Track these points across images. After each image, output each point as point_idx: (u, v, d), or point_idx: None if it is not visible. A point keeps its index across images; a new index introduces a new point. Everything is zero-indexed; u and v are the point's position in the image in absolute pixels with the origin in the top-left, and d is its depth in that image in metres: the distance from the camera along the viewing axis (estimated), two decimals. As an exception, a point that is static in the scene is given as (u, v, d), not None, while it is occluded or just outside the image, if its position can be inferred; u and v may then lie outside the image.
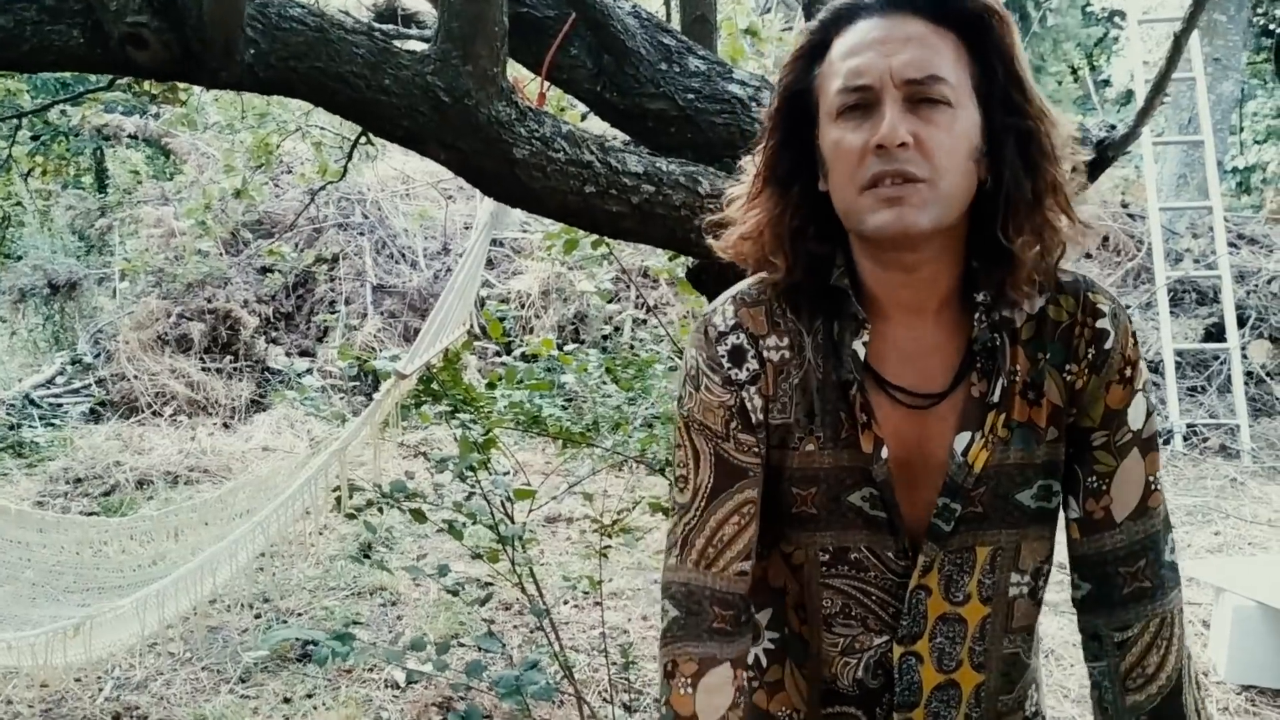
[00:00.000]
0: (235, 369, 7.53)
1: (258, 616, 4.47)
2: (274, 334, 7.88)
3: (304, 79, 1.61)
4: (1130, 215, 8.03)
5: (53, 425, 6.80)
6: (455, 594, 2.65)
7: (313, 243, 8.20)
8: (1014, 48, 1.10)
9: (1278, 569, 4.03)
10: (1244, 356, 6.86)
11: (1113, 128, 2.94)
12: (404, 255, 8.13)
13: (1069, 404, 1.17)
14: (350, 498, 2.68)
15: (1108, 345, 1.16)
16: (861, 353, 1.15)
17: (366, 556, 5.02)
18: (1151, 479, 1.20)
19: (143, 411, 7.07)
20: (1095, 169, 2.72)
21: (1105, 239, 7.99)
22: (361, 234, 8.25)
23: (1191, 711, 1.25)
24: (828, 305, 1.18)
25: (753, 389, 1.19)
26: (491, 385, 3.20)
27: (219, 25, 1.42)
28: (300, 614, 4.49)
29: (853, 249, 1.17)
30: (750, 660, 1.30)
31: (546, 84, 2.65)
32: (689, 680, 1.18)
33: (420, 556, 4.53)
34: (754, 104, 2.55)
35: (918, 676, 1.22)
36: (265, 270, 8.07)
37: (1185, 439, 6.50)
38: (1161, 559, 1.21)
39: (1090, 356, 1.16)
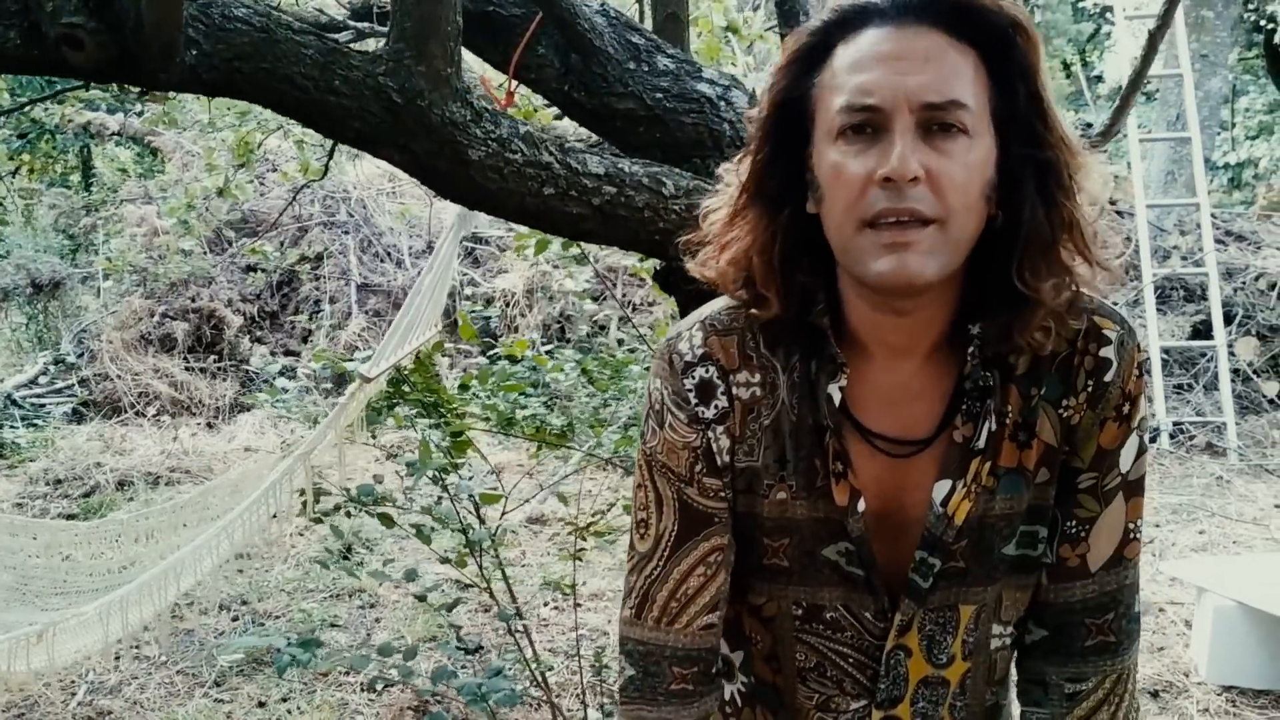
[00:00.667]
0: (219, 369, 7.49)
1: (235, 619, 4.44)
2: (259, 333, 7.84)
3: (249, 80, 1.58)
4: (1118, 213, 8.00)
5: (34, 425, 6.76)
6: (422, 599, 2.62)
7: (298, 241, 8.16)
8: (1039, 69, 0.97)
9: (1260, 569, 4.01)
10: (1231, 354, 6.85)
11: (1088, 125, 2.90)
12: (389, 254, 8.10)
13: (1063, 442, 1.07)
14: (317, 502, 2.65)
15: (1108, 377, 1.05)
16: (837, 398, 1.04)
17: (346, 558, 5.00)
18: (1132, 526, 1.10)
19: (126, 411, 7.03)
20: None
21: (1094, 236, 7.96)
22: (346, 232, 8.21)
23: None
24: (806, 341, 1.07)
25: (720, 429, 1.09)
26: (464, 386, 3.17)
27: (157, 26, 1.39)
28: (278, 617, 4.46)
29: (839, 279, 1.05)
30: (726, 697, 1.23)
31: (515, 83, 2.62)
32: None
33: (387, 561, 4.50)
34: (723, 104, 2.52)
35: None
36: (250, 269, 8.03)
37: (1172, 436, 6.49)
38: (1130, 612, 1.13)
39: (1089, 389, 1.05)
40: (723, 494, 1.10)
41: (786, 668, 1.15)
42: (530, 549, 5.15)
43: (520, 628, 2.61)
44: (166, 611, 2.50)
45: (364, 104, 1.71)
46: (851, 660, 1.12)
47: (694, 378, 1.09)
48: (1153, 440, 6.48)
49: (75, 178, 11.29)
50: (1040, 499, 1.08)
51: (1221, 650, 3.71)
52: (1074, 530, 1.10)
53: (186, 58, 1.48)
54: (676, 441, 1.10)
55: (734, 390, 1.09)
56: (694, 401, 1.09)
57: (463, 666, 3.79)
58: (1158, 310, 6.96)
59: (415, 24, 1.71)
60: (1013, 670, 1.22)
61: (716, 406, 1.09)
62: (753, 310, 1.08)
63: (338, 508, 2.73)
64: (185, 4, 1.42)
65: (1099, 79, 15.33)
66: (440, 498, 2.73)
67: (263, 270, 7.83)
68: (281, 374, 5.75)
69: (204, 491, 3.21)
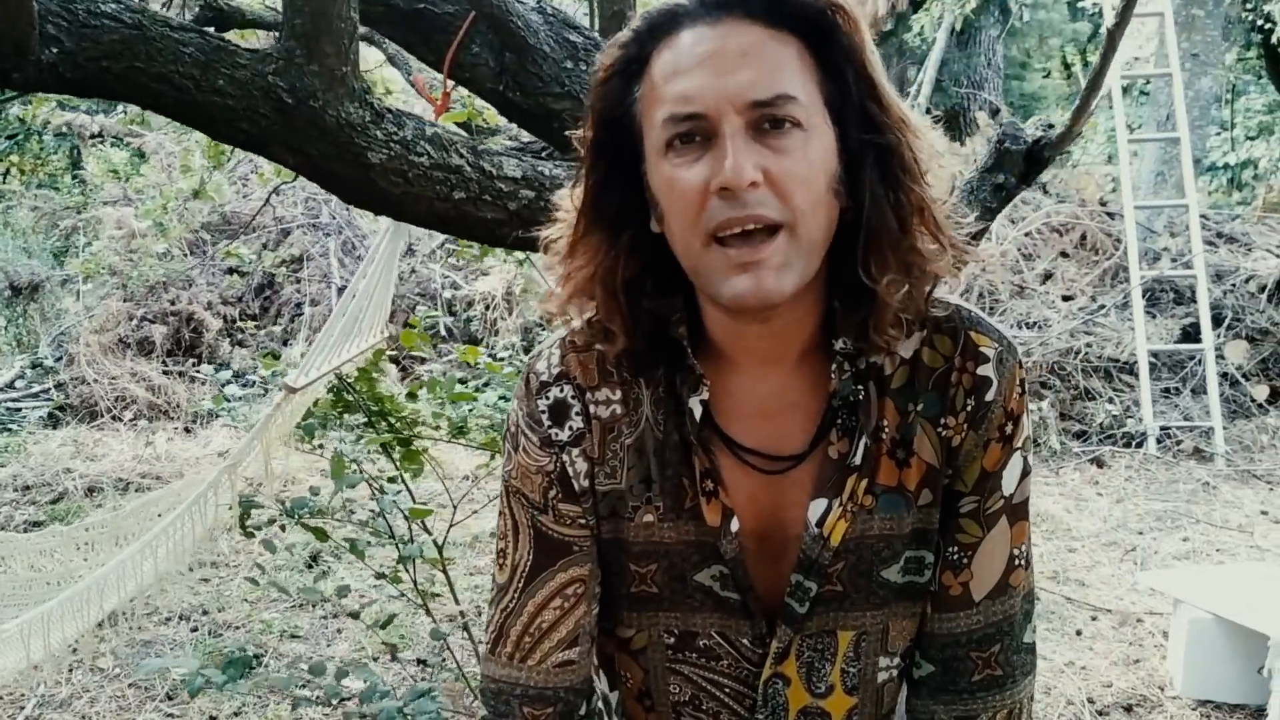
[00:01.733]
0: (198, 372, 7.42)
1: (194, 630, 4.36)
2: (239, 336, 7.76)
3: (120, 79, 1.49)
4: (1109, 214, 7.91)
5: (8, 430, 6.69)
6: (356, 616, 2.54)
7: (280, 243, 8.08)
8: (864, 49, 0.92)
9: (1238, 579, 3.92)
10: (1220, 357, 6.75)
11: (1050, 127, 2.83)
12: (371, 256, 8.02)
13: (945, 463, 1.01)
14: (248, 516, 2.56)
15: (989, 396, 0.99)
16: (698, 411, 0.99)
17: (312, 566, 4.92)
18: (1016, 552, 1.04)
19: (102, 416, 6.96)
20: (1032, 170, 2.62)
21: (1083, 237, 7.88)
22: (328, 235, 8.13)
23: None
24: (668, 356, 1.02)
25: (576, 451, 1.03)
26: (412, 395, 3.09)
27: (7, 25, 1.31)
28: (237, 627, 4.38)
29: (696, 291, 0.99)
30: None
31: (451, 83, 2.54)
32: None
33: (317, 576, 4.43)
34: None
35: None
36: (232, 271, 7.96)
37: (1159, 441, 6.39)
38: (1018, 643, 1.06)
39: (969, 409, 1.00)
40: (581, 520, 1.04)
41: (661, 703, 1.09)
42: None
43: (445, 644, 2.53)
44: (90, 631, 2.41)
45: (252, 105, 1.63)
46: (728, 690, 1.06)
47: (548, 398, 1.05)
48: (1139, 445, 6.39)
49: (65, 179, 11.26)
50: (924, 522, 1.02)
51: (1197, 663, 3.63)
52: (956, 557, 1.04)
53: (45, 56, 1.40)
54: (530, 466, 1.05)
55: (591, 409, 1.04)
56: (547, 423, 1.04)
57: (421, 679, 3.70)
58: (1146, 313, 6.86)
59: (306, 20, 1.63)
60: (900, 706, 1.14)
61: (571, 428, 1.04)
62: (598, 346, 1.02)
63: (271, 521, 2.65)
64: (42, 1, 1.33)
65: (1097, 79, 15.21)
66: (377, 512, 2.65)
67: (240, 273, 7.76)
68: (245, 380, 5.68)
69: (146, 502, 3.12)
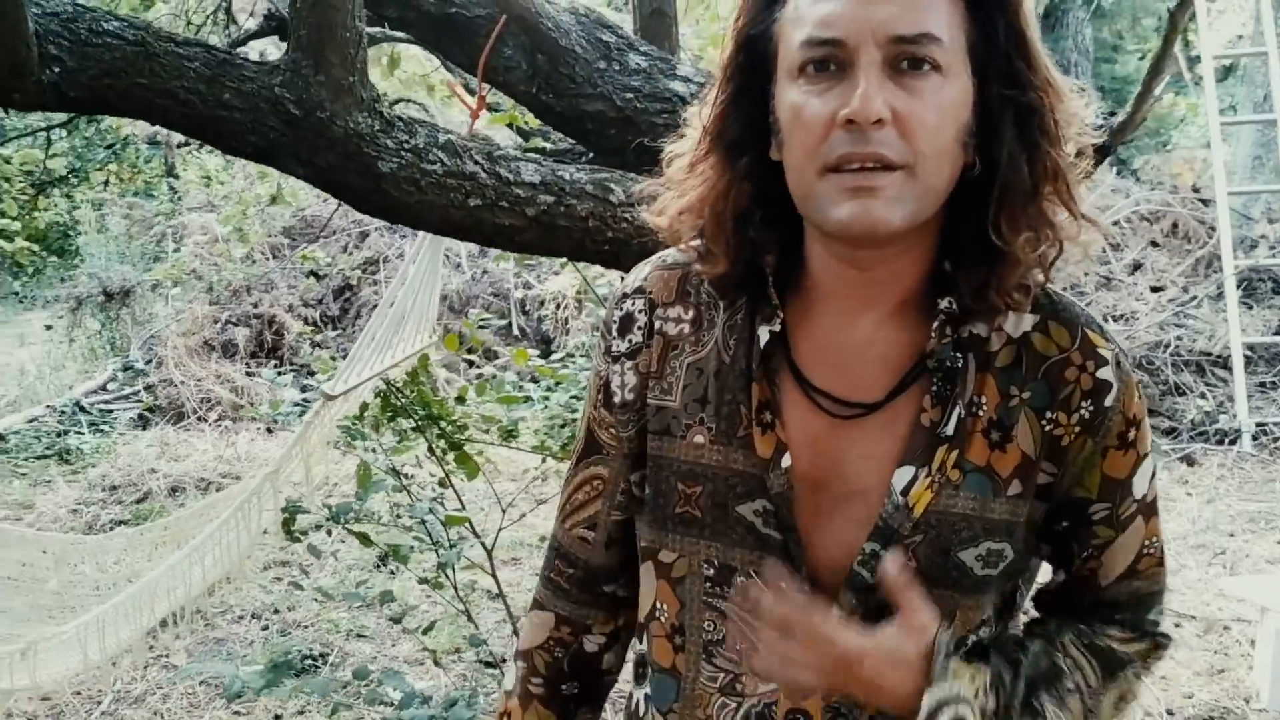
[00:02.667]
0: (280, 374, 7.59)
1: (264, 628, 4.45)
2: (319, 338, 7.92)
3: (124, 96, 1.51)
4: (1202, 200, 7.60)
5: (101, 431, 6.92)
6: (398, 621, 2.55)
7: (358, 246, 8.22)
8: (1023, 4, 0.90)
9: (1331, 586, 3.72)
10: (1322, 349, 6.43)
11: (1111, 114, 2.70)
12: (446, 256, 8.10)
13: (1044, 458, 0.97)
14: (294, 521, 2.59)
15: (1107, 402, 0.96)
16: (764, 339, 0.98)
17: (380, 567, 4.99)
18: (1148, 543, 1.03)
19: (188, 417, 7.16)
20: (1097, 159, 2.52)
21: (1175, 226, 7.57)
22: (404, 237, 8.24)
23: (1126, 688, 1.06)
24: (754, 285, 1.01)
25: (628, 364, 1.06)
26: (460, 399, 3.10)
27: (2, 47, 1.33)
28: (306, 626, 4.45)
29: (805, 229, 0.98)
30: (633, 706, 1.14)
31: (486, 87, 2.53)
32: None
33: (386, 577, 4.48)
34: (696, 101, 2.40)
35: None
36: (311, 274, 8.12)
37: (1254, 439, 6.11)
38: (1142, 616, 1.06)
39: (1085, 414, 0.96)
40: (613, 429, 1.09)
41: (692, 640, 1.05)
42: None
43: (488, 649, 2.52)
44: (143, 637, 2.47)
45: (259, 117, 1.63)
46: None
47: (621, 309, 1.08)
48: (1233, 443, 6.12)
49: (161, 186, 11.63)
50: (1012, 515, 0.97)
51: (1284, 675, 3.45)
52: (1086, 555, 1.04)
53: (46, 75, 1.41)
54: (594, 368, 1.12)
55: (658, 324, 1.05)
56: (613, 333, 1.08)
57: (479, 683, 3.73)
58: (1242, 304, 6.57)
59: (311, 31, 1.63)
60: None
61: (631, 341, 1.07)
62: (697, 267, 1.03)
63: (318, 526, 2.68)
64: (39, 21, 1.35)
65: (1197, 59, 14.65)
66: (421, 520, 2.65)
67: (319, 276, 7.91)
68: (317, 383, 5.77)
69: (206, 506, 3.20)
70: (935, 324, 0.95)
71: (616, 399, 1.07)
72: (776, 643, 0.93)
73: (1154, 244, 7.37)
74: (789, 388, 0.99)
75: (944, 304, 0.95)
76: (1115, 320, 6.78)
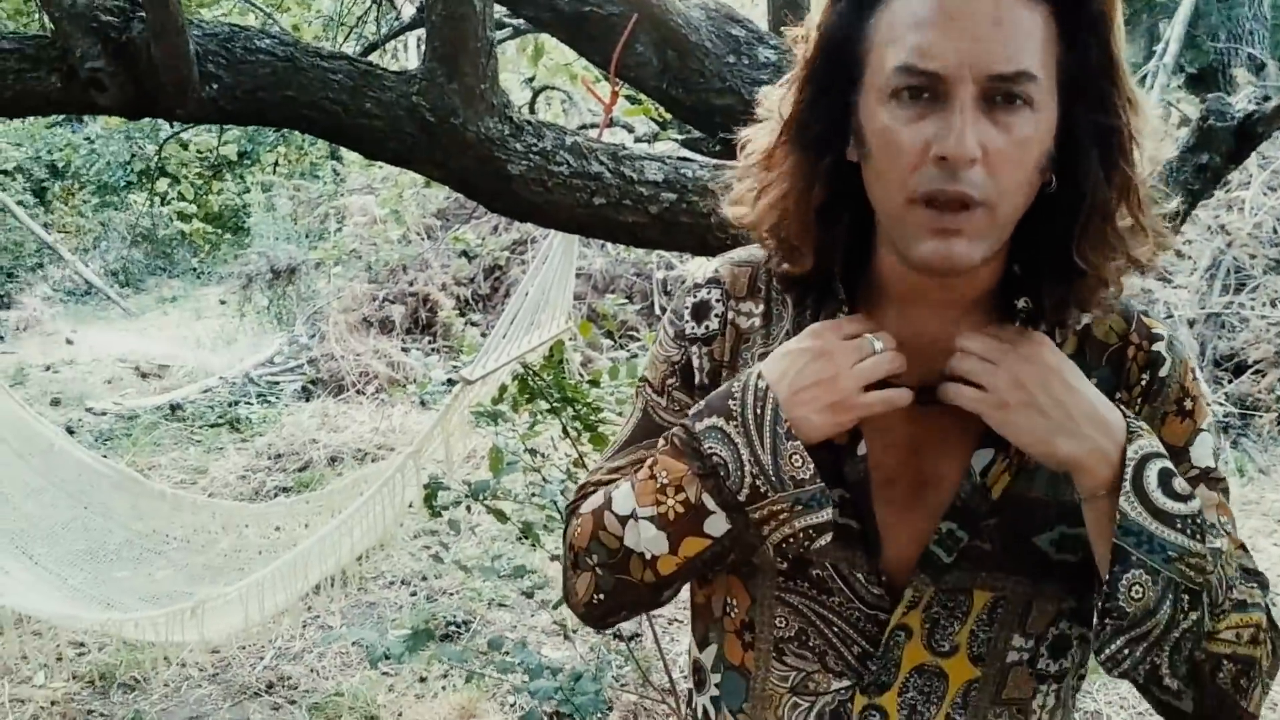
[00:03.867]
0: (434, 349, 7.89)
1: (413, 594, 4.68)
2: (471, 315, 8.18)
3: (275, 108, 1.64)
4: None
5: (268, 403, 7.35)
6: (530, 596, 2.67)
7: (507, 228, 8.45)
8: (1115, 24, 0.90)
9: None
10: None
11: (1266, 99, 2.59)
12: (584, 243, 8.25)
13: None
14: (435, 497, 2.74)
15: (1163, 372, 1.01)
16: None
17: (523, 540, 5.17)
18: (1221, 519, 1.01)
19: (348, 390, 7.52)
20: (1244, 147, 2.41)
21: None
22: (552, 217, 8.44)
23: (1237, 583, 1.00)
24: (821, 284, 1.04)
25: (704, 348, 1.08)
26: (594, 382, 3.20)
27: (167, 67, 1.46)
28: (451, 594, 4.66)
29: (876, 230, 1.00)
30: (699, 713, 1.16)
31: (620, 83, 2.60)
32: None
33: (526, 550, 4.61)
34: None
35: None
36: (463, 255, 8.40)
37: None
38: (1223, 576, 0.98)
39: (1144, 383, 1.01)
40: (677, 414, 1.08)
41: (762, 639, 1.07)
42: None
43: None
44: (298, 600, 2.66)
45: (398, 124, 1.74)
46: (836, 629, 1.04)
47: (696, 297, 1.10)
48: None
49: (325, 168, 12.19)
50: None
51: None
52: None
53: (205, 92, 1.55)
54: (660, 355, 1.12)
55: (730, 315, 1.09)
56: (687, 319, 1.10)
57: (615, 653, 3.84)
58: None
59: (445, 44, 1.72)
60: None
61: (707, 327, 1.09)
62: (784, 265, 1.04)
63: (458, 502, 2.82)
64: (200, 43, 1.48)
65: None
66: (553, 499, 2.77)
67: (470, 256, 8.17)
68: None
69: (357, 479, 3.40)
70: (1017, 322, 0.97)
71: (695, 380, 1.08)
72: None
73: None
74: None
75: (1021, 303, 0.98)
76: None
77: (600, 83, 2.99)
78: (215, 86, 1.56)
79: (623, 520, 1.02)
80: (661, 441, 1.03)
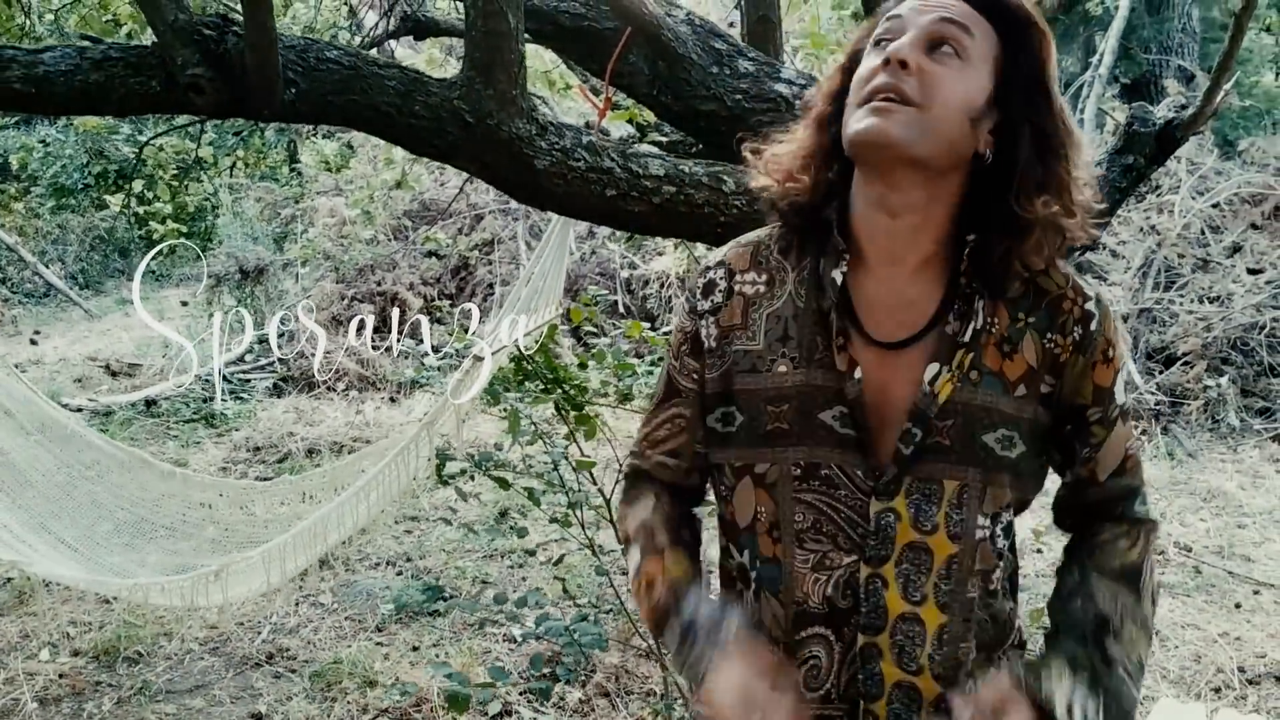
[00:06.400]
0: (402, 348, 8.09)
1: (399, 574, 4.91)
2: (438, 315, 8.40)
3: (341, 110, 1.90)
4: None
5: (240, 399, 7.51)
6: (532, 554, 2.92)
7: (473, 228, 8.68)
8: (1048, 65, 1.21)
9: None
10: None
11: (1182, 108, 2.93)
12: (556, 238, 8.52)
13: (1046, 371, 1.26)
14: (443, 467, 2.99)
15: (1093, 327, 1.26)
16: (839, 278, 1.25)
17: (500, 522, 5.43)
18: (1129, 444, 1.34)
19: (319, 387, 7.71)
20: (1164, 151, 2.74)
21: (1277, 209, 7.57)
22: (517, 219, 8.68)
23: (1149, 583, 1.33)
24: (816, 243, 1.30)
25: (711, 319, 1.34)
26: (582, 365, 3.47)
27: (258, 73, 1.72)
28: (436, 574, 4.90)
29: (853, 186, 1.27)
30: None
31: (613, 90, 2.88)
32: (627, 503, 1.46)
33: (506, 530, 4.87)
34: (798, 102, 2.72)
35: (883, 601, 1.26)
36: (431, 255, 8.61)
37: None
38: (1133, 506, 1.36)
39: (1077, 335, 1.26)
40: (695, 375, 1.37)
41: (786, 533, 1.31)
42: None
43: (610, 581, 2.89)
44: (316, 561, 2.89)
45: (442, 125, 2.01)
46: (843, 515, 1.27)
47: (704, 278, 1.38)
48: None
49: (284, 171, 12.29)
50: (1018, 412, 1.26)
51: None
52: (1086, 453, 1.33)
53: (287, 95, 1.81)
54: (677, 325, 1.42)
55: (737, 287, 1.34)
56: (698, 295, 1.37)
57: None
58: (1341, 286, 6.60)
59: (483, 55, 2.00)
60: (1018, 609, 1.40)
61: (713, 301, 1.35)
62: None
63: (463, 472, 3.08)
64: (283, 51, 1.74)
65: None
66: (552, 465, 3.03)
67: (438, 256, 8.39)
68: (441, 354, 6.22)
69: (357, 458, 3.64)
70: (963, 265, 1.24)
71: (704, 346, 1.35)
72: None
73: (1255, 226, 7.39)
74: (849, 324, 1.27)
75: (971, 238, 1.24)
76: (1210, 302, 6.86)
77: (586, 83, 3.26)
78: (294, 91, 1.81)
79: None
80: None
